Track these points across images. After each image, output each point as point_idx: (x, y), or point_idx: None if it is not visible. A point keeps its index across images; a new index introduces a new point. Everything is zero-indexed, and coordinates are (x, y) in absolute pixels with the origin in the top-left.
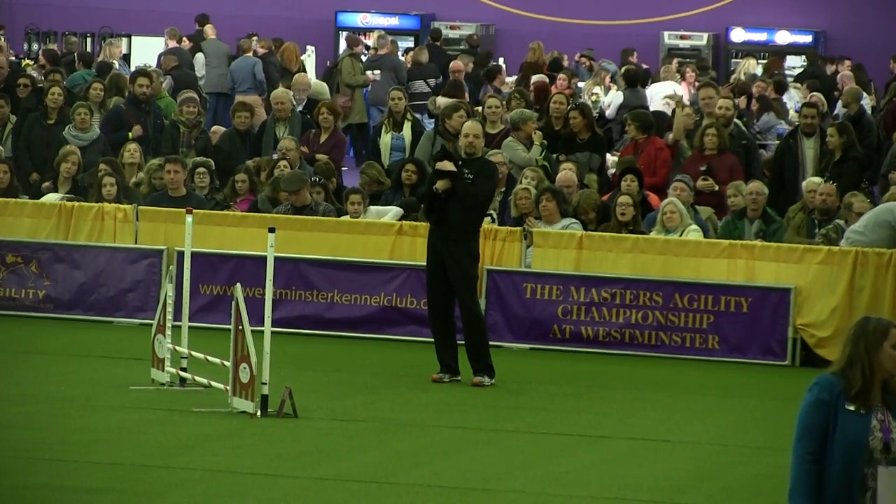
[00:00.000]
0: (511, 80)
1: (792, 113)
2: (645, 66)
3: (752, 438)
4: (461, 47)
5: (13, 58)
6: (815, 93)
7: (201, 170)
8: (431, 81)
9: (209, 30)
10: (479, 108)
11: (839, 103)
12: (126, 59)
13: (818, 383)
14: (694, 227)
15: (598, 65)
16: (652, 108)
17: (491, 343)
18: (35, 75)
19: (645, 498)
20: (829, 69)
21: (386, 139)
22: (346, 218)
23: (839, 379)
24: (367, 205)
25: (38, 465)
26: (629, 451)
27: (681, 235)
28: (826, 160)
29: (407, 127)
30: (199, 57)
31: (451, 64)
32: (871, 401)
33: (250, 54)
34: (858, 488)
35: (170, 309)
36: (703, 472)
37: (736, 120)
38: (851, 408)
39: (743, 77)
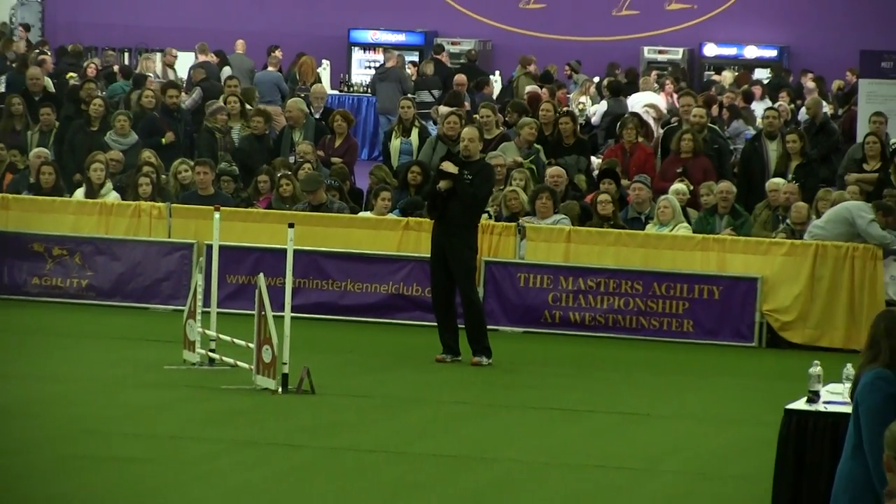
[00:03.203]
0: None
1: (759, 120)
2: (625, 81)
3: (723, 412)
4: (461, 61)
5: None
6: (780, 102)
7: (226, 177)
8: (435, 92)
9: (238, 45)
10: (477, 116)
11: (802, 111)
12: (171, 68)
13: (882, 378)
14: (684, 224)
15: (581, 76)
16: (633, 115)
17: (488, 327)
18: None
19: (627, 466)
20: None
21: (395, 144)
22: (359, 215)
23: (894, 372)
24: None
25: (81, 437)
26: (613, 424)
27: (672, 230)
28: (787, 162)
29: (414, 133)
30: (226, 70)
31: (456, 77)
32: None
33: (272, 69)
34: None
35: (199, 296)
36: (680, 443)
37: (711, 125)
38: None
39: (727, 86)
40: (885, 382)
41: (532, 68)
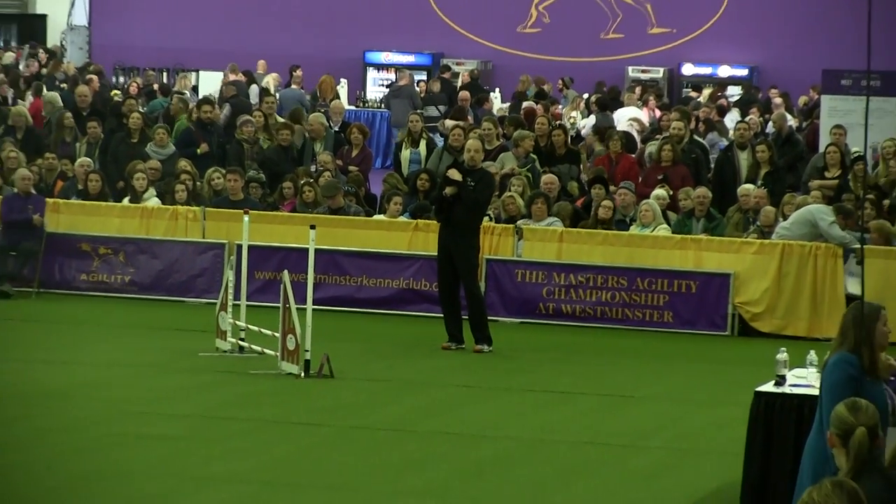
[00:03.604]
0: (504, 105)
1: (731, 132)
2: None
3: (699, 394)
4: (465, 80)
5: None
6: (751, 116)
7: (254, 183)
8: (442, 107)
9: (260, 65)
10: (479, 129)
11: (770, 124)
12: (195, 89)
13: (845, 360)
14: (664, 225)
15: (571, 92)
16: (618, 128)
17: (489, 318)
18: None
19: (614, 442)
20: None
21: (406, 153)
22: (373, 217)
23: (857, 357)
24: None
25: (125, 417)
26: (601, 404)
27: (652, 231)
28: (756, 170)
29: (423, 144)
30: (254, 87)
31: (460, 94)
32: (877, 373)
33: (295, 86)
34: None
35: (230, 290)
36: (661, 422)
37: (688, 137)
38: (868, 379)
39: (703, 102)
40: (847, 364)
41: (546, 87)
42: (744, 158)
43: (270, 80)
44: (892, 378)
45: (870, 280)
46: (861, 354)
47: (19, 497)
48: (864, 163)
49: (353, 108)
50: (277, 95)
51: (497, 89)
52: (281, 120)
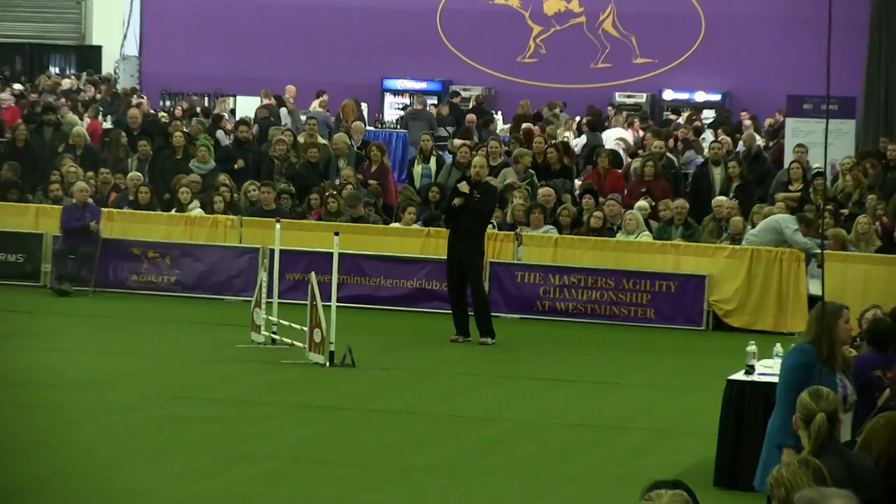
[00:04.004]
0: (506, 126)
1: (706, 150)
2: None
3: (679, 382)
4: (471, 104)
5: (151, 111)
6: (723, 136)
7: (285, 195)
8: (450, 128)
9: (288, 90)
10: (485, 147)
11: (740, 143)
12: (233, 112)
13: (800, 350)
14: (646, 232)
15: (564, 115)
16: (607, 147)
17: (492, 314)
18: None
19: (603, 424)
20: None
21: (417, 169)
22: (390, 225)
23: (814, 347)
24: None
25: (169, 401)
26: (591, 390)
27: (636, 237)
28: (729, 183)
29: (433, 160)
30: (283, 110)
31: (467, 116)
32: (835, 364)
33: (321, 109)
34: None
35: (264, 290)
36: (645, 406)
37: (668, 154)
38: (823, 369)
39: (682, 123)
40: (801, 353)
41: (557, 110)
42: (717, 173)
43: (317, 104)
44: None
45: (829, 281)
46: (819, 347)
47: (76, 470)
48: (823, 178)
49: (372, 128)
50: (304, 117)
51: (499, 112)
52: (322, 140)
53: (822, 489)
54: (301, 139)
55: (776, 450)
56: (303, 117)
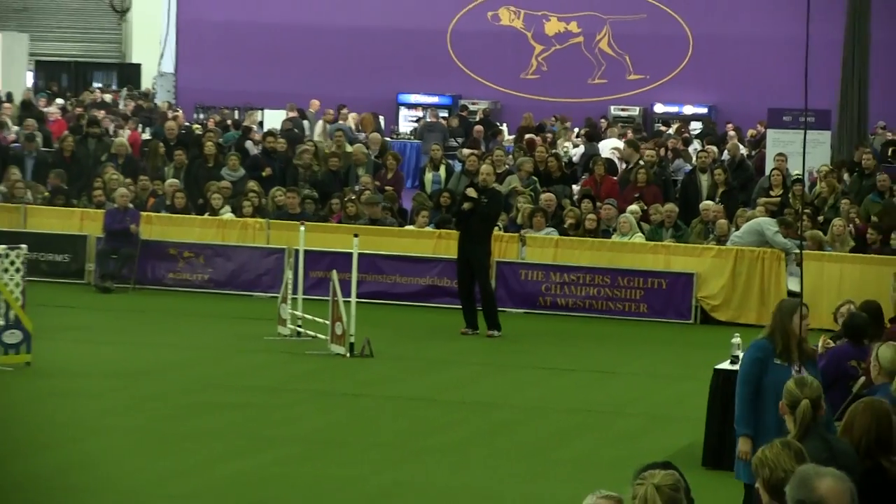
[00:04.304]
0: (510, 137)
1: (694, 159)
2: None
3: (670, 371)
4: (479, 117)
5: (186, 123)
6: (710, 146)
7: (309, 200)
8: (460, 139)
9: (313, 104)
10: (490, 156)
11: (725, 152)
12: (261, 124)
13: (755, 345)
14: (639, 234)
15: (562, 125)
16: (603, 156)
17: (498, 309)
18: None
19: (600, 409)
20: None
21: (428, 176)
22: (405, 227)
23: (769, 342)
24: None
25: (202, 389)
26: (589, 379)
27: (630, 238)
28: (715, 189)
29: (442, 168)
30: (305, 122)
31: (475, 128)
32: (791, 357)
33: (342, 122)
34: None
35: (290, 287)
36: (638, 394)
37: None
38: (778, 362)
39: (671, 134)
40: (755, 348)
41: (568, 124)
42: (704, 180)
43: (351, 119)
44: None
45: (807, 278)
46: (774, 340)
47: (118, 453)
48: (802, 184)
49: (388, 139)
50: (327, 127)
51: (504, 124)
52: (349, 149)
53: (818, 467)
54: (329, 148)
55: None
56: (318, 128)
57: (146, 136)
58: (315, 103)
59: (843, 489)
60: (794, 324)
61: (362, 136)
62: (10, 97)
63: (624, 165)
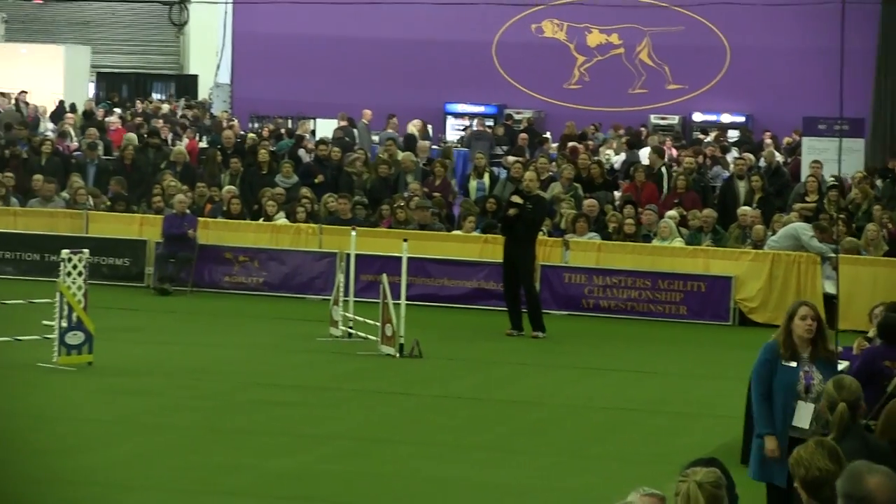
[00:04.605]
0: (555, 145)
1: (731, 166)
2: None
3: (707, 370)
4: (523, 126)
5: (241, 132)
6: (746, 153)
7: (360, 206)
8: (505, 147)
9: (365, 114)
10: (535, 163)
11: (761, 159)
12: (313, 133)
13: (764, 347)
14: (679, 238)
15: (615, 132)
16: (643, 163)
17: (543, 311)
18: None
19: (640, 408)
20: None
21: (473, 184)
22: (452, 232)
23: (777, 343)
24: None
25: (257, 387)
26: (629, 378)
27: (670, 243)
28: (752, 195)
29: (486, 176)
30: (354, 131)
31: (520, 136)
32: (799, 358)
33: (391, 130)
34: (791, 415)
35: (341, 289)
36: (676, 392)
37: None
38: (785, 363)
39: (709, 142)
40: (765, 349)
41: (622, 132)
42: (742, 186)
43: (413, 127)
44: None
45: (842, 281)
46: (780, 342)
47: (176, 448)
48: (837, 190)
49: (436, 147)
50: (378, 137)
51: (548, 133)
52: (400, 157)
53: (871, 464)
54: (381, 155)
55: (758, 439)
56: (375, 137)
57: (203, 144)
58: (367, 113)
59: (893, 487)
60: (797, 325)
61: (401, 141)
62: (73, 108)
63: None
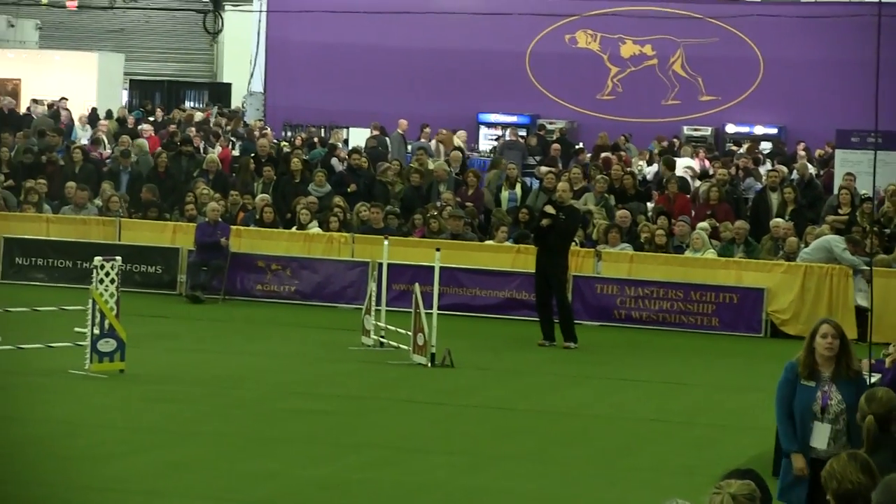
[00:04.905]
0: (587, 156)
1: (764, 178)
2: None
3: (738, 382)
4: (556, 136)
5: (274, 141)
6: (779, 165)
7: (392, 215)
8: (537, 157)
9: (401, 124)
10: (568, 174)
11: (794, 171)
12: (346, 142)
13: (786, 367)
14: (711, 250)
15: (658, 143)
16: (676, 174)
17: (575, 321)
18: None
19: (672, 419)
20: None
21: (505, 194)
22: (485, 242)
23: (798, 363)
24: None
25: (289, 396)
26: (661, 389)
27: (702, 254)
28: (784, 207)
29: (518, 186)
30: (387, 140)
31: (552, 146)
32: (819, 377)
33: (423, 140)
34: (808, 435)
35: (373, 299)
36: (709, 404)
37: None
38: (804, 382)
39: (742, 153)
40: (787, 369)
41: (665, 144)
42: (774, 198)
43: (458, 139)
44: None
45: (875, 294)
46: (801, 360)
47: (210, 456)
48: (871, 203)
49: (468, 155)
50: (410, 147)
51: (581, 143)
52: (432, 165)
53: None
54: (412, 164)
55: (786, 460)
56: (409, 147)
57: (236, 152)
58: (403, 123)
59: None
60: (818, 343)
61: (433, 150)
62: (109, 114)
63: (695, 183)
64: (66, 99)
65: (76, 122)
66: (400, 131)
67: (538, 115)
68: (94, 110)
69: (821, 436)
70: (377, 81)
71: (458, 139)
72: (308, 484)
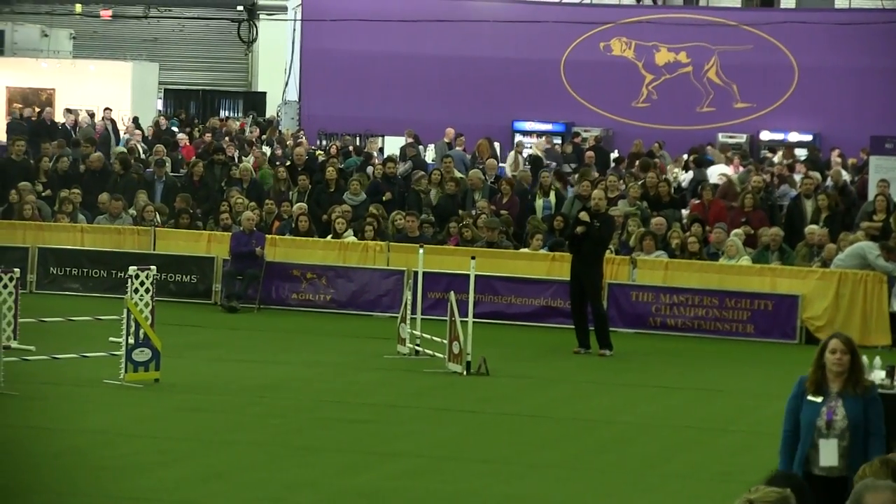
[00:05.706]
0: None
1: (799, 185)
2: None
3: (773, 388)
4: (591, 143)
5: (310, 149)
6: (813, 172)
7: (427, 223)
8: (573, 165)
9: (448, 133)
10: (604, 182)
11: (829, 178)
12: (381, 150)
13: (798, 381)
14: (745, 257)
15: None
16: (710, 181)
17: (610, 329)
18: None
19: (707, 426)
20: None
21: (539, 202)
22: (520, 250)
23: (806, 379)
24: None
25: (325, 405)
26: (697, 396)
27: (737, 261)
28: (819, 214)
29: (552, 194)
30: (422, 147)
31: (587, 154)
32: (827, 392)
33: (459, 148)
34: (810, 451)
35: (409, 307)
36: (744, 411)
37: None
38: (810, 398)
39: (777, 161)
40: (796, 384)
41: (728, 155)
42: (809, 205)
43: (516, 158)
44: None
45: None
46: (809, 376)
47: (247, 465)
48: None
49: (503, 165)
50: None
51: (616, 151)
52: (458, 175)
53: (877, 481)
54: (442, 173)
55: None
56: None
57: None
58: (450, 132)
59: (888, 500)
60: (827, 358)
61: (468, 159)
62: (136, 122)
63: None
64: (110, 109)
65: (121, 132)
66: (446, 140)
67: (573, 122)
68: (136, 119)
69: (829, 453)
70: (412, 90)
71: (523, 156)
72: (344, 493)
